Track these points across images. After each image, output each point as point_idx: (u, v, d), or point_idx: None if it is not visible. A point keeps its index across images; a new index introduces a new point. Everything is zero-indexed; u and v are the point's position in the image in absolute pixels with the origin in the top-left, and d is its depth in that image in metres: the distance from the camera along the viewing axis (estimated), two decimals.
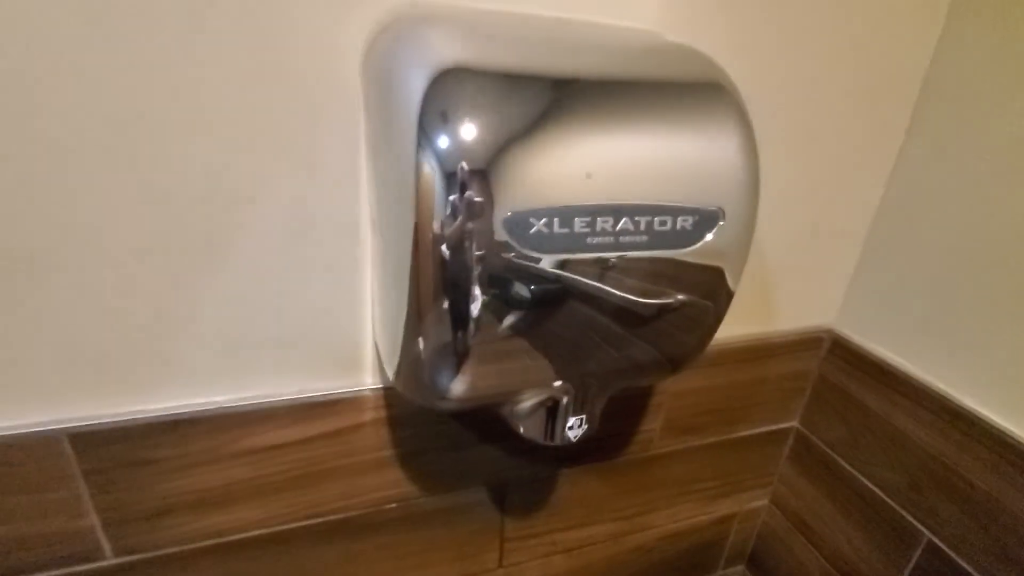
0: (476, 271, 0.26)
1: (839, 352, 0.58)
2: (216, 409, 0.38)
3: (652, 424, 0.56)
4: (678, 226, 0.29)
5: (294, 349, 0.39)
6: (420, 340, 0.29)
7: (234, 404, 0.39)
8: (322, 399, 0.41)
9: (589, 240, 0.27)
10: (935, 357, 0.49)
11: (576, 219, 0.26)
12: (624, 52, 0.31)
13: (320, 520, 0.45)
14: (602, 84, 0.27)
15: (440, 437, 0.46)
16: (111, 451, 0.37)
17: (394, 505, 0.48)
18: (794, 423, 0.64)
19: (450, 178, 0.25)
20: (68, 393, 0.35)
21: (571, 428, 0.35)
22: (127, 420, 0.37)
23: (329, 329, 0.39)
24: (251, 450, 0.40)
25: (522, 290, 0.27)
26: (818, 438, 0.61)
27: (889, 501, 0.54)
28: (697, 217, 0.29)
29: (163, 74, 0.30)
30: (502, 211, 0.25)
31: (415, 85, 0.25)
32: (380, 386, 0.43)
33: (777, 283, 0.54)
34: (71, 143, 0.30)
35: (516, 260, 0.26)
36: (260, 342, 0.38)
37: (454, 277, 0.26)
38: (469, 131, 0.25)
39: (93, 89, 0.29)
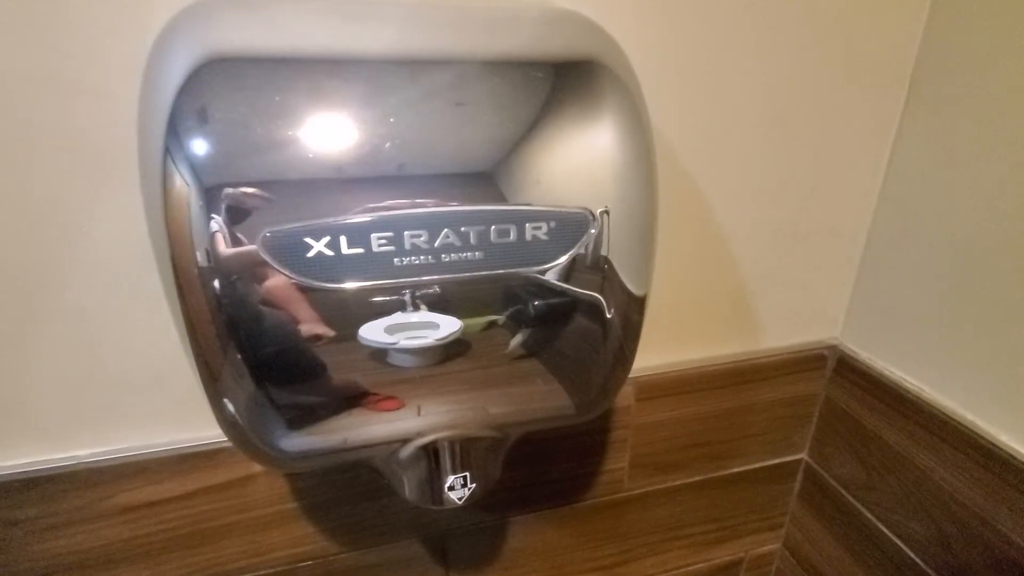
0: (260, 310, 0.21)
1: (846, 373, 0.48)
2: (77, 464, 0.34)
3: (618, 463, 0.48)
4: (528, 236, 0.22)
5: (157, 396, 0.34)
6: (227, 403, 0.23)
7: (98, 459, 0.35)
8: (198, 449, 0.36)
9: (396, 261, 0.21)
10: (961, 380, 0.39)
11: (373, 235, 0.20)
12: (471, 22, 0.24)
13: None
14: (409, 61, 0.21)
15: (350, 485, 0.41)
16: None
17: (310, 563, 0.42)
18: (802, 455, 0.54)
19: (208, 194, 0.19)
20: None
21: (452, 489, 0.29)
22: None
23: (187, 372, 0.35)
24: (126, 507, 0.36)
25: (323, 330, 0.22)
26: (830, 475, 0.51)
27: (915, 558, 0.43)
28: (554, 223, 0.22)
29: None
30: (262, 230, 0.19)
31: (170, 79, 0.20)
32: None
33: (757, 293, 0.46)
34: None
35: (319, 293, 0.20)
36: (119, 390, 0.34)
37: (234, 318, 0.21)
38: (234, 132, 0.20)
39: None
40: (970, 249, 0.38)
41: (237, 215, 0.20)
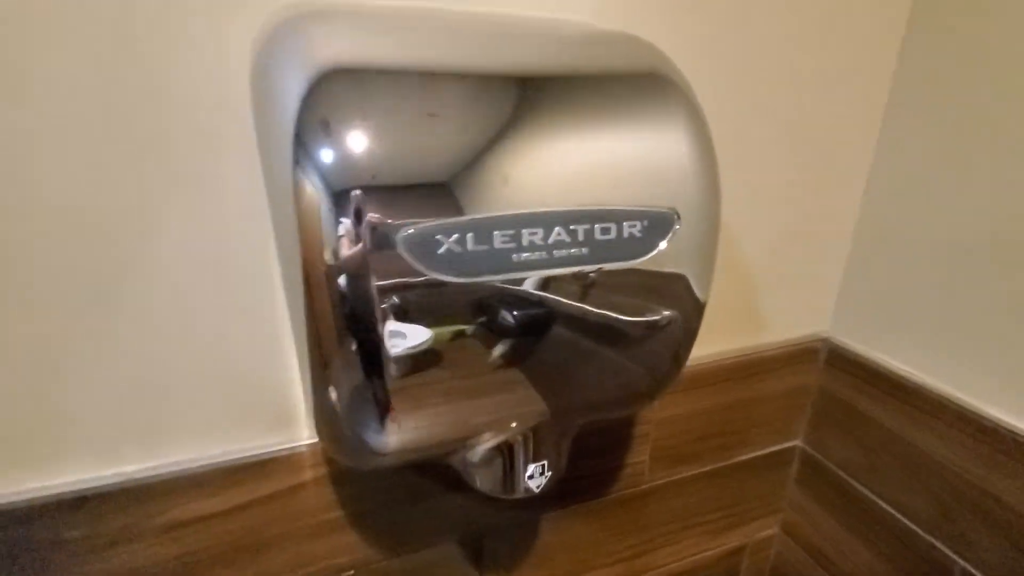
0: (383, 305, 0.22)
1: (838, 363, 0.53)
2: (126, 481, 0.33)
3: (640, 456, 0.50)
4: (625, 233, 0.24)
5: (212, 405, 0.34)
6: (331, 391, 0.24)
7: (148, 474, 0.34)
8: (251, 460, 0.36)
9: (515, 257, 0.22)
10: (947, 362, 0.44)
11: (495, 232, 0.22)
12: (548, 41, 0.27)
13: None
14: (517, 77, 0.23)
15: (395, 490, 0.41)
16: (12, 535, 0.32)
17: (352, 572, 0.42)
18: (797, 442, 0.59)
19: (337, 197, 0.21)
20: None
21: (531, 477, 0.30)
22: (23, 500, 0.32)
23: (251, 380, 0.35)
24: (175, 524, 0.35)
25: (444, 322, 0.23)
26: (828, 459, 0.56)
27: (916, 529, 0.48)
28: (646, 221, 0.24)
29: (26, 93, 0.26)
30: (401, 229, 0.21)
31: (291, 90, 0.21)
32: (317, 440, 0.38)
33: (761, 291, 0.49)
34: None
35: (428, 288, 0.22)
36: (171, 400, 0.33)
37: (357, 313, 0.22)
38: (357, 140, 0.21)
39: None
40: (950, 243, 0.43)
41: (361, 216, 0.21)
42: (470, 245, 0.22)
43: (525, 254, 0.22)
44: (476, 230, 0.21)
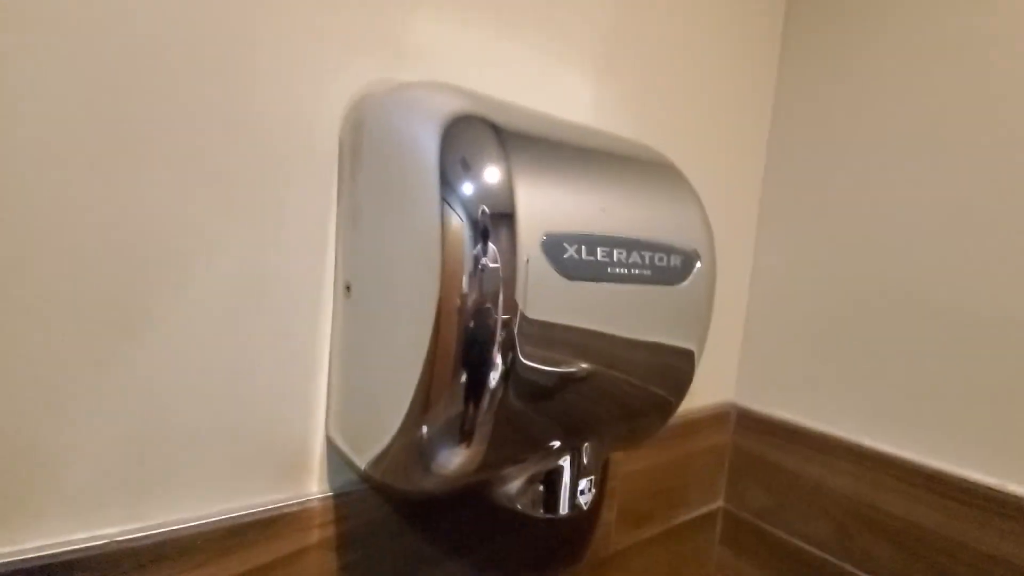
0: (502, 336, 0.25)
1: (746, 423, 0.64)
2: (105, 545, 0.28)
3: (608, 515, 0.53)
4: (671, 263, 0.31)
5: (218, 454, 0.31)
6: (430, 412, 0.26)
7: (130, 537, 0.28)
8: (255, 517, 0.32)
9: (609, 270, 0.28)
10: (830, 408, 0.57)
11: (599, 248, 0.28)
12: (597, 134, 0.35)
13: None
14: (592, 149, 0.31)
15: (400, 558, 0.38)
16: None
17: None
18: (720, 503, 0.66)
19: (479, 221, 0.24)
20: None
21: (582, 493, 0.33)
22: None
23: (273, 417, 0.32)
24: None
25: (550, 333, 0.27)
26: (745, 511, 0.64)
27: (823, 555, 0.56)
28: (683, 257, 0.32)
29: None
30: (538, 235, 0.25)
31: (428, 137, 0.26)
32: (329, 493, 0.35)
33: None
34: None
35: (540, 326, 0.26)
36: (174, 443, 0.29)
37: (478, 335, 0.25)
38: (493, 173, 0.26)
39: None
40: (822, 315, 0.58)
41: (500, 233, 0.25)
42: (583, 255, 0.27)
43: (616, 268, 0.28)
44: (588, 243, 0.27)
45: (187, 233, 0.29)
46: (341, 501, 0.35)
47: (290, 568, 0.34)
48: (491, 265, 0.24)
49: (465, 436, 0.26)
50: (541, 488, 0.33)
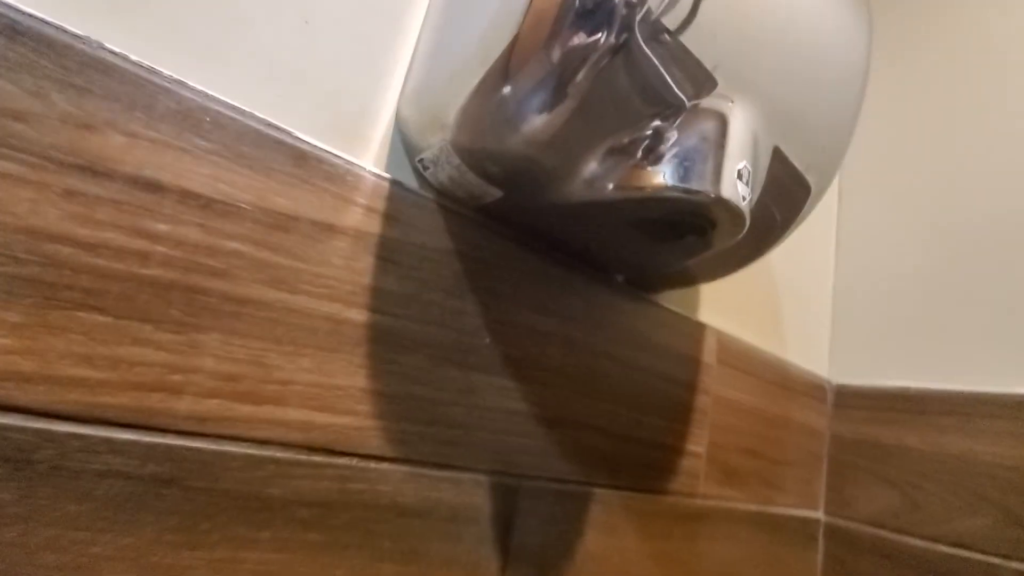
0: None
1: (847, 401, 0.51)
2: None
3: (698, 444, 0.39)
4: None
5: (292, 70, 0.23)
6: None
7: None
8: (290, 148, 0.23)
9: None
10: (957, 361, 0.46)
11: None
12: None
13: None
14: None
15: (443, 274, 0.27)
16: None
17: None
18: (819, 514, 0.50)
19: None
20: None
21: (740, 177, 0.23)
22: None
23: (344, 67, 0.25)
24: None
25: None
26: (856, 521, 0.48)
27: (985, 558, 0.40)
28: None
29: None
30: None
31: None
32: (386, 175, 0.26)
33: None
34: None
35: None
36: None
37: None
38: None
39: None
40: (922, 263, 0.50)
41: None
42: None
43: None
44: None
45: None
46: (394, 190, 0.25)
47: (317, 238, 0.23)
48: None
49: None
50: (674, 152, 0.23)
